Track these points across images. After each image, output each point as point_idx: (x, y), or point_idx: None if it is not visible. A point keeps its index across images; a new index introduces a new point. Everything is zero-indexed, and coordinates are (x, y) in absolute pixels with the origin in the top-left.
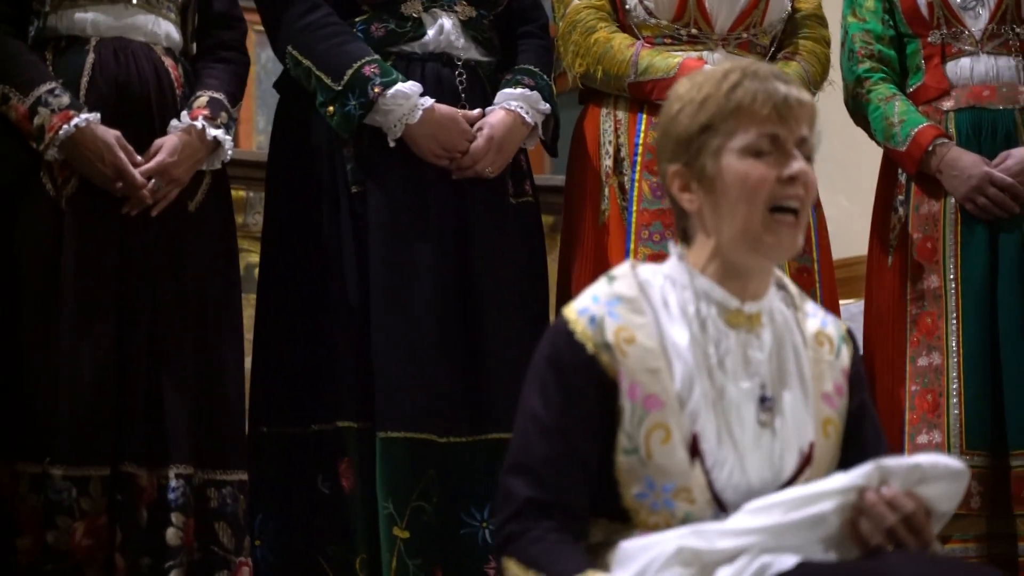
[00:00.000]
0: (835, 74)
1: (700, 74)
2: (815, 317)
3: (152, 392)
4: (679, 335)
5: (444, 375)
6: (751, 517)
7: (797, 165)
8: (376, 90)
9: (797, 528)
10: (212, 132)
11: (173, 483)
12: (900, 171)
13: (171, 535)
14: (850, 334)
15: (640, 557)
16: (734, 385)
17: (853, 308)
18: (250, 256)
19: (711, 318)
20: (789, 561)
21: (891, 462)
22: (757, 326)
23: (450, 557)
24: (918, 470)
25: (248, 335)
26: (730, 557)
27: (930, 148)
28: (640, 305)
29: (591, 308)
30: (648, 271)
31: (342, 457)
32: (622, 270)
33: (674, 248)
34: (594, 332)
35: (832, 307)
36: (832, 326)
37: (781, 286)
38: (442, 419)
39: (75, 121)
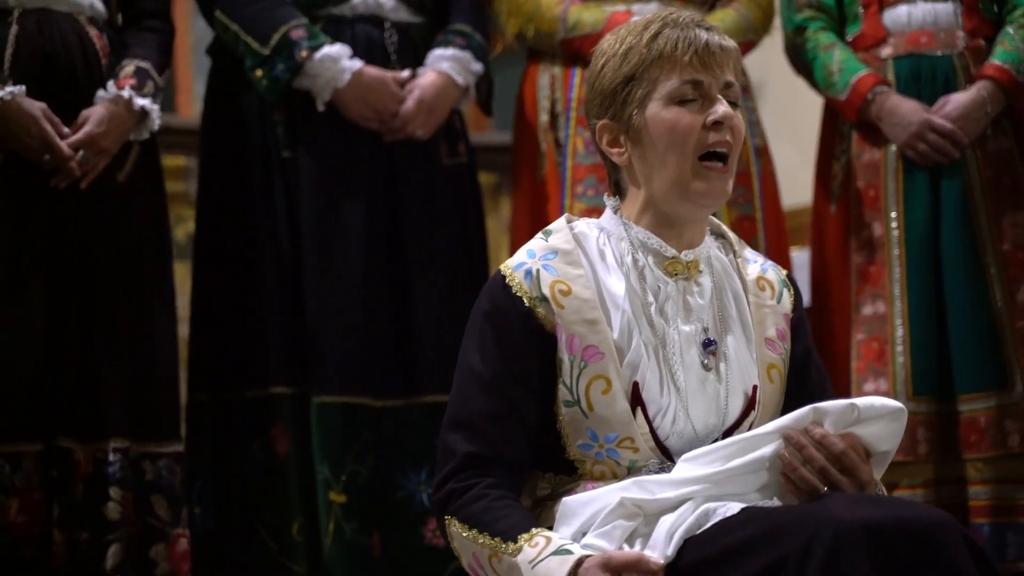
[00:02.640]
0: (777, 21)
1: (623, 27)
2: (755, 263)
3: (86, 366)
4: (616, 285)
5: (377, 339)
6: (692, 466)
7: (722, 109)
8: (303, 54)
9: (738, 475)
10: (139, 101)
11: (111, 457)
12: (841, 120)
13: (111, 509)
14: (791, 279)
15: (582, 512)
16: (676, 331)
17: (801, 257)
18: (191, 224)
19: (648, 267)
20: (734, 507)
21: (826, 404)
22: (695, 273)
23: (387, 520)
24: (853, 410)
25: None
26: (673, 506)
27: (870, 96)
28: (576, 257)
29: (527, 262)
30: (583, 224)
31: (275, 423)
32: (558, 224)
33: (608, 201)
34: (530, 286)
35: (779, 256)
36: (772, 271)
37: (719, 234)
38: (377, 383)
39: (0, 94)
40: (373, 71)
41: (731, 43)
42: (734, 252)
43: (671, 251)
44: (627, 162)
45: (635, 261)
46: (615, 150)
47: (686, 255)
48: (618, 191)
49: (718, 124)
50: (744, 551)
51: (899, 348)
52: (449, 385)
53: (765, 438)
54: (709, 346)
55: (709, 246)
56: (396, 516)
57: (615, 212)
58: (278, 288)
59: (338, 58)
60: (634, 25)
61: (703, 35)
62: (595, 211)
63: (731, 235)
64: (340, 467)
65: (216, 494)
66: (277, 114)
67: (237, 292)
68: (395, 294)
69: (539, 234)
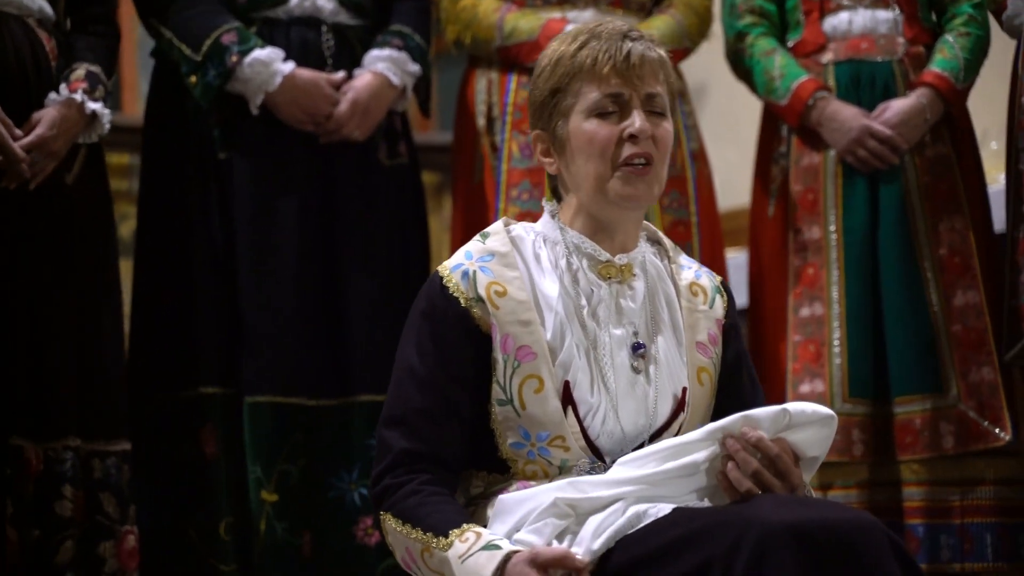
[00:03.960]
0: (718, 26)
1: (558, 37)
2: (689, 269)
3: (36, 365)
4: (550, 287)
5: (310, 339)
6: (626, 469)
7: (639, 122)
8: (234, 58)
9: (671, 477)
10: (91, 105)
11: (64, 455)
12: (781, 123)
13: (64, 507)
14: (724, 286)
15: (517, 511)
16: (607, 334)
17: (739, 259)
18: (135, 221)
19: (582, 270)
20: (665, 508)
21: (758, 411)
22: (629, 277)
23: (319, 520)
24: (785, 415)
25: None
26: (605, 506)
27: (810, 102)
28: (512, 259)
29: (464, 264)
30: (520, 228)
31: (205, 423)
32: (495, 227)
33: (546, 205)
34: (466, 287)
35: (714, 259)
36: (706, 277)
37: (655, 240)
38: (310, 382)
39: None
40: (306, 73)
41: (656, 53)
42: (669, 258)
43: (605, 255)
44: (557, 171)
45: (569, 264)
46: (547, 159)
47: (620, 259)
48: (555, 195)
49: (634, 137)
50: (672, 552)
51: (836, 350)
52: (383, 385)
53: (697, 444)
54: (638, 349)
55: (644, 251)
56: (327, 516)
57: (552, 216)
58: (212, 289)
59: (269, 62)
60: (564, 37)
61: (626, 46)
62: (529, 215)
63: (667, 241)
64: (271, 467)
65: (152, 494)
66: (213, 116)
67: (173, 293)
68: (329, 294)
69: (476, 236)
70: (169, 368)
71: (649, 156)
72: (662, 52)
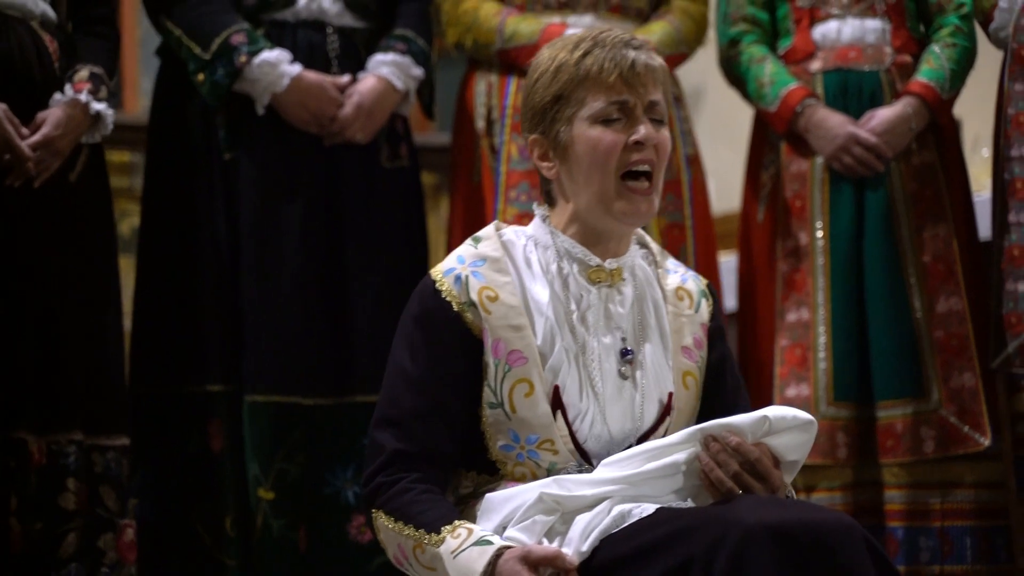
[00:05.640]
0: (714, 32)
1: (558, 42)
2: (675, 273)
3: (40, 360)
4: (540, 292)
5: (310, 340)
6: (610, 469)
7: (644, 130)
8: (242, 59)
9: (653, 478)
10: (96, 106)
11: (68, 449)
12: (771, 130)
13: (68, 500)
14: (710, 289)
15: (503, 508)
16: (595, 339)
17: (733, 262)
18: (135, 219)
19: (572, 275)
20: (649, 508)
21: (739, 418)
22: (618, 281)
23: (314, 516)
24: (765, 423)
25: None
26: (590, 505)
27: (798, 109)
28: (504, 265)
29: (456, 268)
30: (512, 232)
31: (212, 419)
32: (487, 232)
33: (538, 209)
34: (459, 291)
35: (707, 262)
36: (692, 281)
37: (643, 244)
38: (308, 382)
39: None
40: (312, 76)
41: (658, 62)
42: (656, 263)
43: (595, 260)
44: (556, 176)
45: (560, 269)
46: (544, 164)
47: (610, 263)
48: (549, 199)
49: (639, 144)
50: (654, 551)
51: (821, 355)
52: (381, 387)
53: (679, 445)
54: (627, 355)
55: (634, 255)
56: (322, 512)
57: (544, 220)
58: (216, 287)
59: (277, 63)
60: (566, 42)
61: (630, 55)
62: (527, 215)
63: (653, 246)
64: (269, 464)
65: (155, 487)
66: (219, 116)
67: (177, 290)
68: (331, 295)
69: (468, 241)
70: (175, 364)
71: (652, 162)
72: (662, 61)
